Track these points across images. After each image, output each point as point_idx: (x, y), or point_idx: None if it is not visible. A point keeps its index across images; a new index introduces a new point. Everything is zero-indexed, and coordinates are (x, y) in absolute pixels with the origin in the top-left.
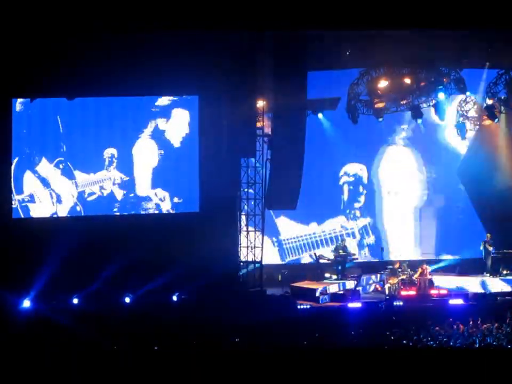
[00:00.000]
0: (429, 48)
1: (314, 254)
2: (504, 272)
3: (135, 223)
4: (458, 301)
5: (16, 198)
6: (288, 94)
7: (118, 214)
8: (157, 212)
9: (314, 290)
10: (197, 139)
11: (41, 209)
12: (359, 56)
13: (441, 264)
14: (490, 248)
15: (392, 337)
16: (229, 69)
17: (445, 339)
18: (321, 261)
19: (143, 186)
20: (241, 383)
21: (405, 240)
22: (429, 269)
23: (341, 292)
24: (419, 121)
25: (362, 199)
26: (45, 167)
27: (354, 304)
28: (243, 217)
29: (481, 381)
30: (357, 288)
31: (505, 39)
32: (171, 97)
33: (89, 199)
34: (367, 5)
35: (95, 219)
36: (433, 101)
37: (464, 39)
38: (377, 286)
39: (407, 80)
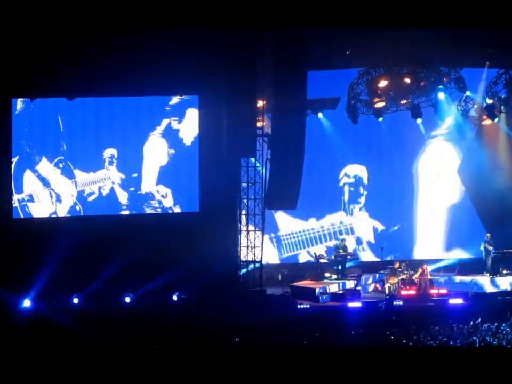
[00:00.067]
0: (429, 47)
1: (315, 253)
2: (504, 272)
3: (135, 222)
4: (458, 301)
5: (15, 197)
6: (288, 93)
7: (118, 213)
8: (159, 209)
9: (314, 290)
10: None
11: (40, 208)
12: (359, 56)
13: (441, 264)
14: (490, 248)
15: (392, 337)
16: (229, 69)
17: (444, 339)
18: (322, 260)
19: (149, 183)
20: (241, 383)
21: (432, 238)
22: (429, 269)
23: (341, 292)
24: (419, 120)
25: (362, 200)
26: (45, 166)
27: (354, 304)
28: (243, 217)
29: (481, 380)
30: (357, 288)
31: (505, 38)
32: (183, 97)
33: (89, 198)
34: (367, 3)
35: (95, 219)
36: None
37: (464, 38)
38: (377, 285)
39: (407, 80)
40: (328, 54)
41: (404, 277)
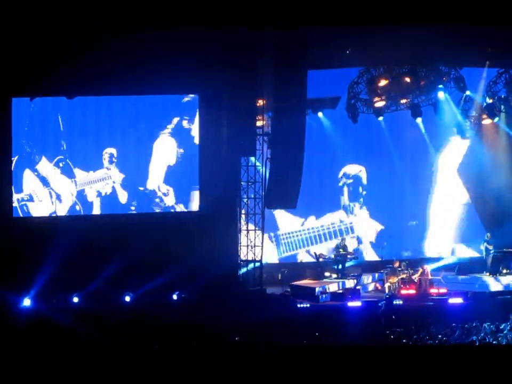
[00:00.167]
0: (429, 47)
1: (315, 253)
2: (504, 271)
3: (135, 222)
4: (458, 300)
5: (15, 197)
6: (288, 93)
7: (118, 213)
8: (159, 208)
9: (314, 289)
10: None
11: (40, 208)
12: (359, 55)
13: (441, 264)
14: (491, 247)
15: (392, 336)
16: (229, 69)
17: (444, 338)
18: (321, 259)
19: (155, 181)
20: (241, 382)
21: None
22: (429, 268)
23: (341, 291)
24: (419, 120)
25: (362, 199)
26: (44, 165)
27: (354, 303)
28: (243, 216)
29: (480, 380)
30: (357, 287)
31: (505, 38)
32: (195, 95)
33: (89, 198)
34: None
35: (95, 218)
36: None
37: (464, 38)
38: (377, 285)
39: (407, 79)
40: (328, 53)
41: (404, 276)
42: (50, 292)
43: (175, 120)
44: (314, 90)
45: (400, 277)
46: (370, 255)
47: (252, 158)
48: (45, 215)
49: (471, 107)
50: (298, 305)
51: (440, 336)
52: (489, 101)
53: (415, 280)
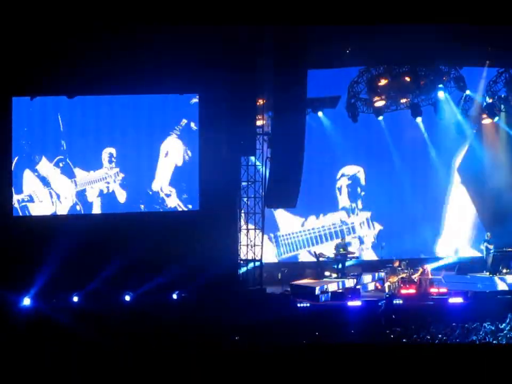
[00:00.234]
0: (429, 47)
1: (315, 252)
2: (504, 270)
3: (135, 221)
4: (458, 300)
5: (15, 198)
6: (288, 92)
7: (118, 212)
8: (163, 207)
9: (314, 288)
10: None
11: (40, 208)
12: (359, 55)
13: (441, 263)
14: (491, 247)
15: (392, 336)
16: (229, 69)
17: (444, 338)
18: (322, 259)
19: (160, 182)
20: (241, 382)
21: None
22: (430, 268)
23: (341, 290)
24: (419, 119)
25: (360, 200)
26: (44, 165)
27: (354, 303)
28: (243, 216)
29: (480, 379)
30: (357, 287)
31: (505, 37)
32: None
33: (89, 198)
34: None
35: (95, 218)
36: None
37: (464, 37)
38: (377, 284)
39: (407, 79)
40: (328, 52)
41: (404, 275)
42: (50, 291)
43: (183, 122)
44: (314, 90)
45: (400, 277)
46: (370, 255)
47: (252, 158)
48: (45, 215)
49: (471, 107)
50: (298, 305)
51: (440, 335)
52: (489, 100)
53: (415, 280)
